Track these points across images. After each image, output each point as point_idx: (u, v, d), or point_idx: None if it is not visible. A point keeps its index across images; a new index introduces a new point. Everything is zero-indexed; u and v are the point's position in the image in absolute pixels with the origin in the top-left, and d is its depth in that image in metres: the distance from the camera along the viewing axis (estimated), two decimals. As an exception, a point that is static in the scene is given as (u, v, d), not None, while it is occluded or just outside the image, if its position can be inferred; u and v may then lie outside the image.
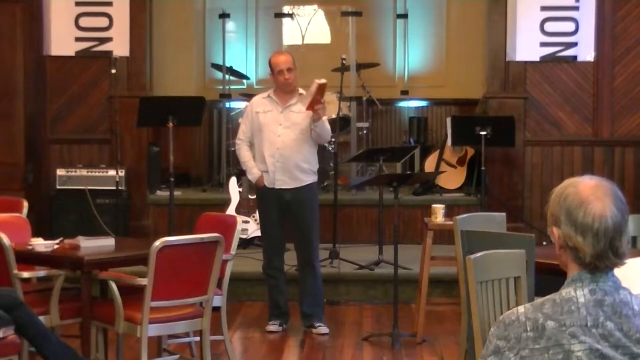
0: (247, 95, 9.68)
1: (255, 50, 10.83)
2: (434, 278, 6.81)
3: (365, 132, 9.77)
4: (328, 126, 6.59)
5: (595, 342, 2.15)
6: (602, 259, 2.19)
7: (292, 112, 6.55)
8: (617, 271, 2.24)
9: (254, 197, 8.48)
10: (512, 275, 4.07)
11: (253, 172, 6.62)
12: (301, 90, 6.62)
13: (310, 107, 6.39)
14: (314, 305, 6.62)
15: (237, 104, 9.91)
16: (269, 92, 6.69)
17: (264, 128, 6.55)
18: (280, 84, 6.57)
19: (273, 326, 6.64)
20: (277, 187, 6.53)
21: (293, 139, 6.52)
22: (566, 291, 2.21)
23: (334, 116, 8.59)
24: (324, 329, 6.58)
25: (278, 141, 6.52)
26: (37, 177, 8.75)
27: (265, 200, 6.63)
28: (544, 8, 8.62)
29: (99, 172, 8.55)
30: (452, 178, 9.15)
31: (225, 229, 5.30)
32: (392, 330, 6.29)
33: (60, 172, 8.58)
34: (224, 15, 10.06)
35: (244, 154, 6.67)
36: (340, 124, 8.77)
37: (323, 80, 6.37)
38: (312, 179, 6.61)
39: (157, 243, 4.79)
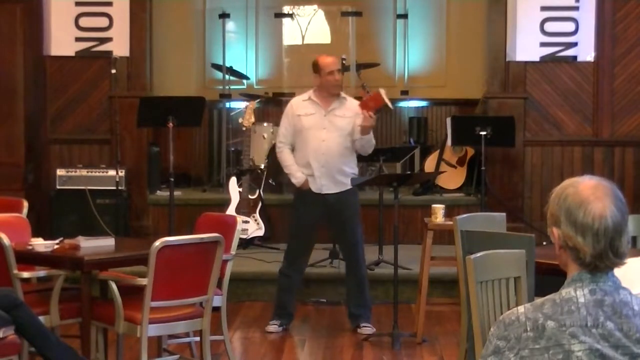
0: (247, 95, 9.70)
1: (255, 50, 10.82)
2: (434, 278, 6.81)
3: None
4: (373, 140, 6.57)
5: (595, 342, 2.15)
6: (602, 259, 2.19)
7: (336, 116, 6.51)
8: (617, 271, 2.24)
9: (254, 197, 8.52)
10: (512, 275, 4.07)
11: (297, 176, 6.54)
12: (343, 95, 6.58)
13: (363, 106, 6.34)
14: (361, 306, 6.63)
15: (237, 104, 9.91)
16: (308, 94, 6.61)
17: (307, 132, 6.50)
18: (330, 85, 6.50)
19: (272, 327, 6.64)
20: (323, 192, 6.50)
21: (337, 144, 6.48)
22: (566, 291, 2.21)
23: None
24: (367, 329, 6.56)
25: (323, 146, 6.48)
26: (37, 177, 8.75)
27: (308, 203, 6.57)
28: (544, 8, 8.63)
29: (99, 172, 8.55)
30: (452, 178, 9.15)
31: (225, 229, 5.30)
32: (392, 330, 6.28)
33: (60, 172, 8.58)
34: (224, 15, 10.06)
35: (287, 157, 6.60)
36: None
37: (385, 100, 6.38)
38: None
39: (157, 243, 4.79)
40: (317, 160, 6.49)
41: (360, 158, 8.45)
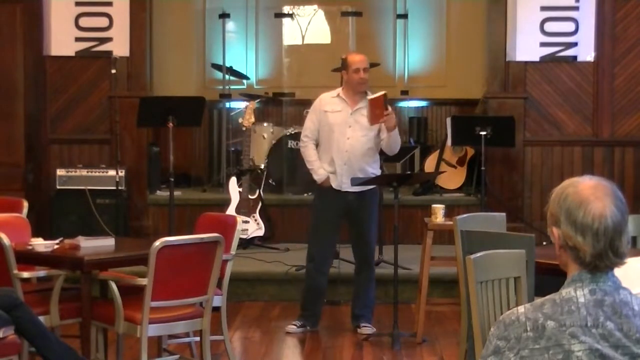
0: (247, 95, 9.69)
1: (255, 50, 10.82)
2: (434, 278, 6.81)
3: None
4: (398, 137, 6.55)
5: (595, 342, 2.15)
6: (602, 259, 2.18)
7: (362, 115, 6.47)
8: (617, 271, 2.24)
9: (254, 197, 8.52)
10: (512, 275, 4.07)
11: (319, 173, 6.53)
12: (370, 94, 6.55)
13: (375, 121, 6.33)
14: (364, 307, 6.63)
15: (237, 104, 9.91)
16: (337, 92, 6.59)
17: (332, 129, 6.48)
18: (355, 83, 6.48)
19: (291, 327, 6.64)
20: (343, 190, 6.49)
21: (361, 143, 6.46)
22: (566, 291, 2.21)
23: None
24: (367, 329, 6.56)
25: (347, 144, 6.46)
26: (37, 177, 8.75)
27: (328, 201, 6.55)
28: (544, 8, 8.62)
29: (99, 172, 8.55)
30: (452, 178, 9.15)
31: (225, 229, 5.30)
32: (392, 330, 6.28)
33: (60, 172, 8.58)
34: (224, 15, 10.06)
35: (311, 152, 6.57)
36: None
37: (378, 94, 6.32)
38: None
39: (157, 243, 4.78)
40: (340, 157, 6.47)
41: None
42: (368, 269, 6.65)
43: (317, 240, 6.65)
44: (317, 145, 6.61)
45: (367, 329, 6.56)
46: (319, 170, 6.54)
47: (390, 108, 6.41)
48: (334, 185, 6.51)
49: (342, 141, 6.46)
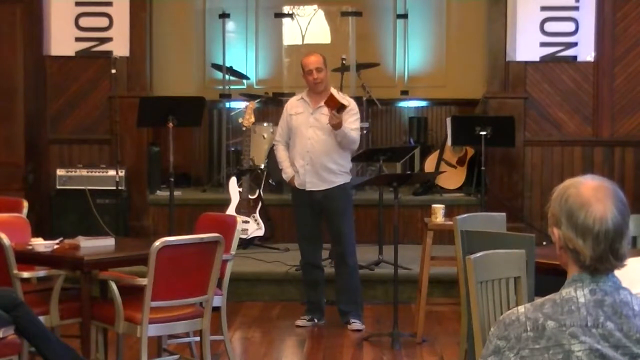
0: (247, 95, 9.70)
1: (255, 50, 10.83)
2: (434, 278, 6.81)
3: (365, 132, 9.76)
4: (352, 135, 6.57)
5: (595, 342, 2.15)
6: (602, 262, 2.18)
7: (322, 114, 6.59)
8: (617, 270, 2.23)
9: (254, 197, 8.53)
10: (512, 275, 4.07)
11: (287, 172, 6.73)
12: (333, 91, 6.63)
13: (327, 106, 6.46)
14: (350, 302, 6.71)
15: (237, 104, 9.91)
16: (302, 94, 6.76)
17: (295, 130, 6.66)
18: (310, 84, 6.65)
19: (301, 321, 6.78)
20: (307, 189, 6.61)
21: (322, 141, 6.58)
22: (566, 291, 2.21)
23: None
24: (357, 325, 6.64)
25: (308, 144, 6.61)
26: (37, 177, 8.74)
27: (298, 199, 6.75)
28: (544, 8, 8.63)
29: (99, 172, 8.55)
30: (452, 178, 9.15)
31: (225, 229, 5.30)
32: (392, 330, 6.29)
33: (60, 172, 8.58)
34: (224, 15, 10.06)
35: (280, 154, 6.80)
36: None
37: (337, 97, 6.48)
38: (343, 179, 6.67)
39: (157, 243, 4.79)
40: (302, 157, 6.63)
41: (361, 158, 8.53)
42: (346, 267, 6.71)
43: (301, 236, 6.82)
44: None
45: (356, 325, 6.62)
46: (287, 169, 6.73)
47: (338, 115, 6.45)
48: (297, 185, 6.67)
49: (304, 141, 6.62)
